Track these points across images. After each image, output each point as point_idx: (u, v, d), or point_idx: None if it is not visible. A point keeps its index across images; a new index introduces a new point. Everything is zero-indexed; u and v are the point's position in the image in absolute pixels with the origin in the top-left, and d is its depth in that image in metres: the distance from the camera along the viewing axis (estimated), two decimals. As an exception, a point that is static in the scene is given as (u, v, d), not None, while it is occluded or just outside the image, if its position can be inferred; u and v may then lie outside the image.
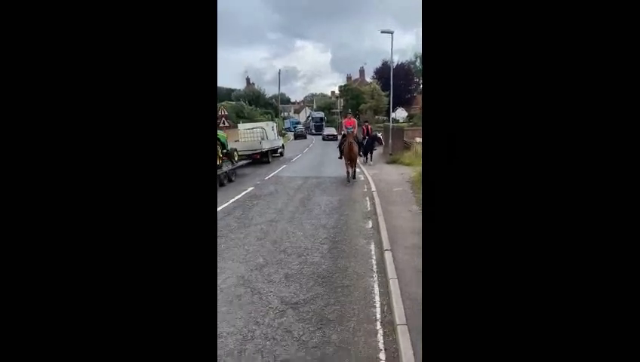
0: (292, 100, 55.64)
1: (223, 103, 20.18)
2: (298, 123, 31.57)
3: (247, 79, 41.58)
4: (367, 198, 6.50)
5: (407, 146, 12.44)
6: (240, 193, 7.23)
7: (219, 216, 5.48)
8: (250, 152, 11.28)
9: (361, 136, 11.13)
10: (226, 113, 15.29)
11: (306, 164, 12.57)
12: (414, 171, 8.29)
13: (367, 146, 11.42)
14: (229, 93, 33.22)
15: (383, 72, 28.17)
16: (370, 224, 4.95)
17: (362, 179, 8.67)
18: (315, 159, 13.88)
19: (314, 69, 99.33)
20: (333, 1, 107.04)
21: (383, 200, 6.03)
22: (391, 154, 12.18)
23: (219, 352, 2.26)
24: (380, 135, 13.41)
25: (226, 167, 8.51)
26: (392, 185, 7.49)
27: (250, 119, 22.24)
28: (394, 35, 13.33)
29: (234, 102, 23.32)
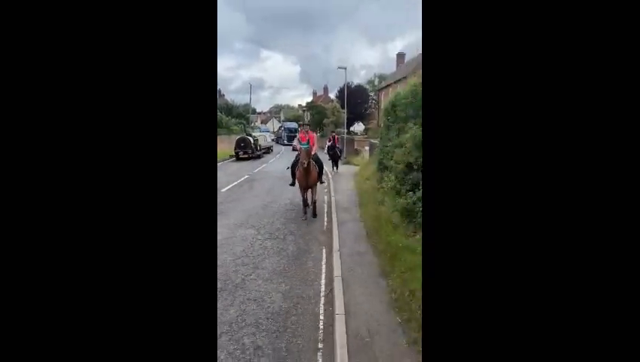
0: (258, 110, 58.52)
1: None
2: (268, 131, 35.06)
3: (219, 91, 44.61)
4: (326, 181, 10.35)
5: (357, 152, 16.62)
6: (241, 178, 10.76)
7: (238, 185, 9.03)
8: (264, 146, 20.18)
9: (328, 145, 11.98)
10: None
11: (282, 165, 16.20)
12: (358, 168, 12.29)
13: (335, 156, 12.14)
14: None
15: (343, 92, 32.90)
16: (325, 189, 8.80)
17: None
18: (288, 162, 17.61)
19: (281, 80, 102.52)
20: (303, 15, 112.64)
21: (335, 180, 9.92)
22: (345, 158, 16.27)
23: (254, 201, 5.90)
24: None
25: (259, 152, 17.93)
26: (342, 174, 11.44)
27: (227, 128, 25.68)
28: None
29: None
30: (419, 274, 3.06)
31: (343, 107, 24.36)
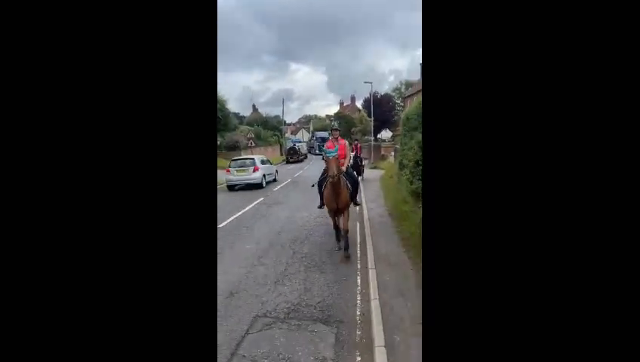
0: (287, 122, 61.54)
1: (250, 128, 26.79)
2: (300, 141, 37.82)
3: (254, 106, 48.30)
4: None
5: (383, 157, 18.43)
6: (286, 181, 13.01)
7: (285, 186, 11.21)
8: (302, 153, 26.36)
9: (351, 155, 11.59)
10: (253, 136, 22.06)
11: (315, 171, 18.46)
12: (385, 171, 14.13)
13: (357, 165, 11.55)
14: (241, 120, 39.49)
15: (370, 102, 34.89)
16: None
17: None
18: (319, 168, 19.86)
19: (310, 90, 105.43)
20: (331, 25, 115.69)
21: (365, 181, 11.85)
22: (372, 163, 18.12)
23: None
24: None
25: (301, 157, 25.25)
26: (370, 176, 13.34)
27: (264, 140, 28.66)
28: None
29: (253, 128, 29.61)
30: (417, 222, 4.95)
31: (370, 115, 26.31)
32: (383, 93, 38.91)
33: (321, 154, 6.63)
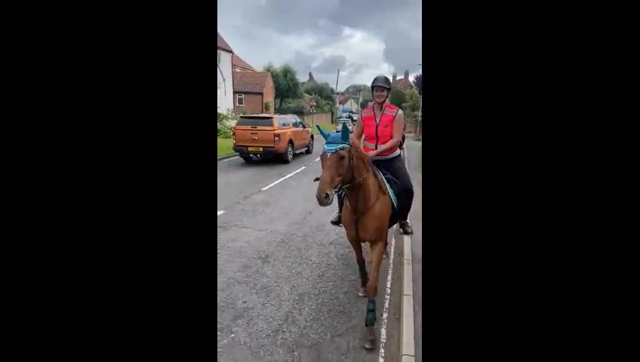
0: (336, 91, 63.60)
1: (310, 96, 30.63)
2: (351, 111, 40.69)
3: (310, 74, 51.50)
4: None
5: (428, 131, 21.18)
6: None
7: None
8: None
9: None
10: (315, 104, 26.06)
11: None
12: (428, 143, 17.12)
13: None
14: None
15: (420, 79, 36.28)
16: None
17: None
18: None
19: (363, 58, 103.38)
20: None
21: (409, 151, 15.05)
22: (417, 136, 21.00)
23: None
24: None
25: None
26: (414, 148, 16.50)
27: (321, 108, 32.37)
28: None
29: (312, 96, 33.16)
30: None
31: (420, 93, 28.26)
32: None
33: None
